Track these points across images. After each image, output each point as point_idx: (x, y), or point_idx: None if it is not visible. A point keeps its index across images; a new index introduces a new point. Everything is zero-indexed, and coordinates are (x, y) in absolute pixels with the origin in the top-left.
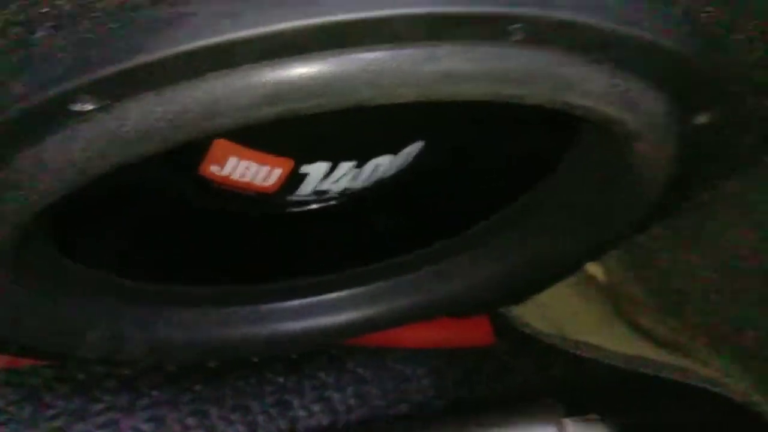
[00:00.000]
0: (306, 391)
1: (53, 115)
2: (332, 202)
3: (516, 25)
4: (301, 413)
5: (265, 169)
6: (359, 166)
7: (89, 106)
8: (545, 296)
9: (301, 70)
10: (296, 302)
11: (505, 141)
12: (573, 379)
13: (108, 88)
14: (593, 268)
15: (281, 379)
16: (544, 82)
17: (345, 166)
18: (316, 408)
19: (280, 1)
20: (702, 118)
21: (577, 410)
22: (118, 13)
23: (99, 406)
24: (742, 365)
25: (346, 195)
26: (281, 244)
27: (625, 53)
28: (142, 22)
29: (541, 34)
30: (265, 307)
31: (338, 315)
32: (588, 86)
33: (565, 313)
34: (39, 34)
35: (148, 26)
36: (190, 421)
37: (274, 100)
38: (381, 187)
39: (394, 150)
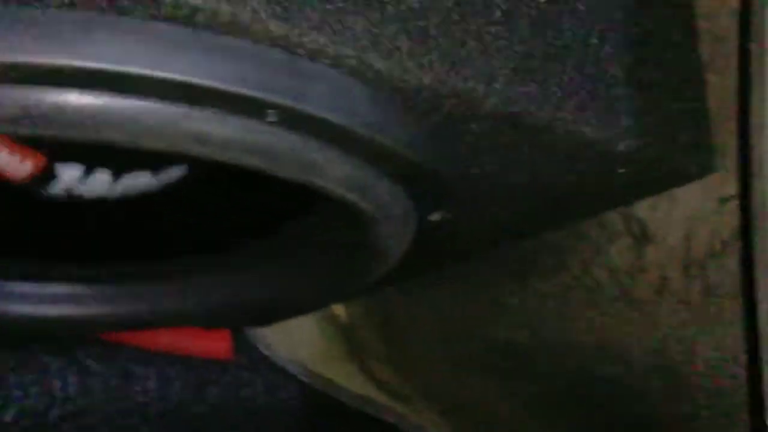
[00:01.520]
0: (27, 371)
1: None
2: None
3: (271, 110)
4: (16, 392)
5: (16, 158)
6: (116, 178)
7: None
8: (289, 323)
9: (50, 99)
10: (25, 286)
11: (269, 178)
12: (301, 406)
13: None
14: (337, 308)
15: (4, 354)
16: (291, 162)
17: (100, 176)
18: (33, 390)
19: (40, 35)
20: (435, 216)
21: None
22: None
23: None
24: (452, 421)
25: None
26: (28, 224)
27: (368, 151)
28: None
29: (293, 121)
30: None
31: (67, 307)
32: (331, 172)
33: (305, 342)
34: None
35: None
36: None
37: (15, 122)
38: (142, 198)
39: (154, 169)
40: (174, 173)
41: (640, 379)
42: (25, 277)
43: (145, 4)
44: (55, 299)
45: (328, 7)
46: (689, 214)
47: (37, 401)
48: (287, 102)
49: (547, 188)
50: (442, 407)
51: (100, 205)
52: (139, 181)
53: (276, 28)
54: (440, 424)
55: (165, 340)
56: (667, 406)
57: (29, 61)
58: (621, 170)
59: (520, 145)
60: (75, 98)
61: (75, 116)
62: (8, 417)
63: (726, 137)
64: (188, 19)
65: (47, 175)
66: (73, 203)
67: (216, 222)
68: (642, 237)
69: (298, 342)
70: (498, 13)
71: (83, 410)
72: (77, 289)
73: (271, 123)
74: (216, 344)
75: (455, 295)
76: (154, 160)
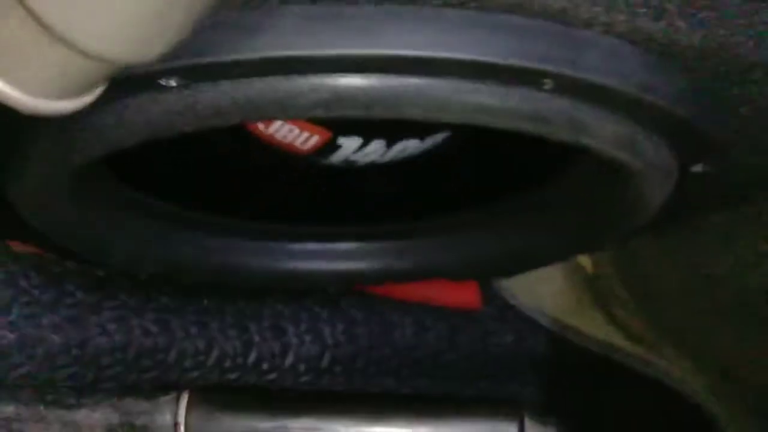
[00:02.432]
0: (301, 321)
1: (143, 82)
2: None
3: (548, 78)
4: (294, 340)
5: (305, 134)
6: (389, 145)
7: (173, 83)
8: (534, 274)
9: (356, 84)
10: (307, 245)
11: (525, 140)
12: (547, 353)
13: (192, 73)
14: (583, 259)
15: (280, 307)
16: (565, 125)
17: (375, 144)
18: (307, 338)
19: (349, 29)
20: (698, 168)
21: (540, 389)
22: (213, 15)
23: (114, 303)
24: (700, 368)
25: (373, 167)
26: (307, 193)
27: (637, 110)
28: (232, 25)
29: (568, 87)
30: (279, 245)
31: (343, 263)
32: (601, 132)
33: (550, 292)
34: None
35: (236, 30)
36: (193, 329)
37: (328, 106)
38: (405, 163)
39: (422, 135)
40: (438, 138)
41: None
42: (311, 238)
43: None
44: (337, 255)
45: None
46: None
47: (312, 348)
48: (564, 71)
49: None
50: (695, 358)
51: (366, 171)
52: (409, 143)
53: (554, 2)
54: (691, 371)
55: (419, 292)
56: None
57: (340, 53)
58: None
59: None
60: (377, 81)
61: (378, 97)
62: (287, 363)
63: None
64: (478, 2)
65: (330, 147)
66: (340, 172)
67: (471, 178)
68: None
69: (543, 292)
70: None
71: (351, 355)
72: (356, 246)
73: (546, 90)
74: (466, 295)
75: (708, 243)
76: (423, 128)
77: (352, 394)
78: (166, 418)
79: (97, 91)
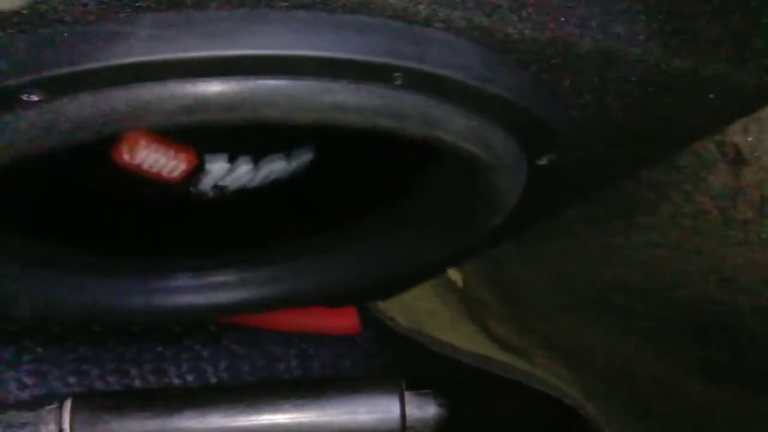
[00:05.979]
0: (182, 361)
1: (5, 98)
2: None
3: (397, 73)
4: (177, 381)
5: (172, 161)
6: (256, 165)
7: (35, 98)
8: (409, 295)
9: (215, 88)
10: (184, 279)
11: (384, 154)
12: (427, 370)
13: (54, 86)
14: (453, 274)
15: (160, 349)
16: (417, 119)
17: (243, 167)
18: (190, 378)
19: (204, 33)
20: (543, 160)
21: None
22: (71, 24)
23: None
24: (573, 372)
25: (243, 192)
26: (181, 226)
27: (482, 103)
28: (90, 35)
29: (418, 82)
30: (155, 281)
31: (220, 294)
32: (451, 126)
33: (425, 311)
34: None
35: (94, 39)
36: (71, 379)
37: (190, 111)
38: (274, 187)
39: (287, 152)
40: (303, 157)
41: (751, 298)
42: (184, 271)
43: None
44: (211, 287)
45: None
46: None
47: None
48: (410, 65)
49: (644, 122)
50: (564, 359)
51: (236, 201)
52: (276, 165)
53: (396, 1)
54: (565, 377)
55: (300, 321)
56: None
57: (198, 56)
58: (710, 95)
59: (615, 83)
60: (236, 84)
61: (237, 100)
62: None
63: None
64: (324, 4)
65: (198, 171)
66: (208, 205)
67: (335, 202)
68: (737, 161)
69: (419, 311)
70: None
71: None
72: (228, 276)
73: (397, 86)
74: (345, 320)
75: (563, 244)
76: (288, 144)
77: (236, 386)
78: (51, 427)
79: None
